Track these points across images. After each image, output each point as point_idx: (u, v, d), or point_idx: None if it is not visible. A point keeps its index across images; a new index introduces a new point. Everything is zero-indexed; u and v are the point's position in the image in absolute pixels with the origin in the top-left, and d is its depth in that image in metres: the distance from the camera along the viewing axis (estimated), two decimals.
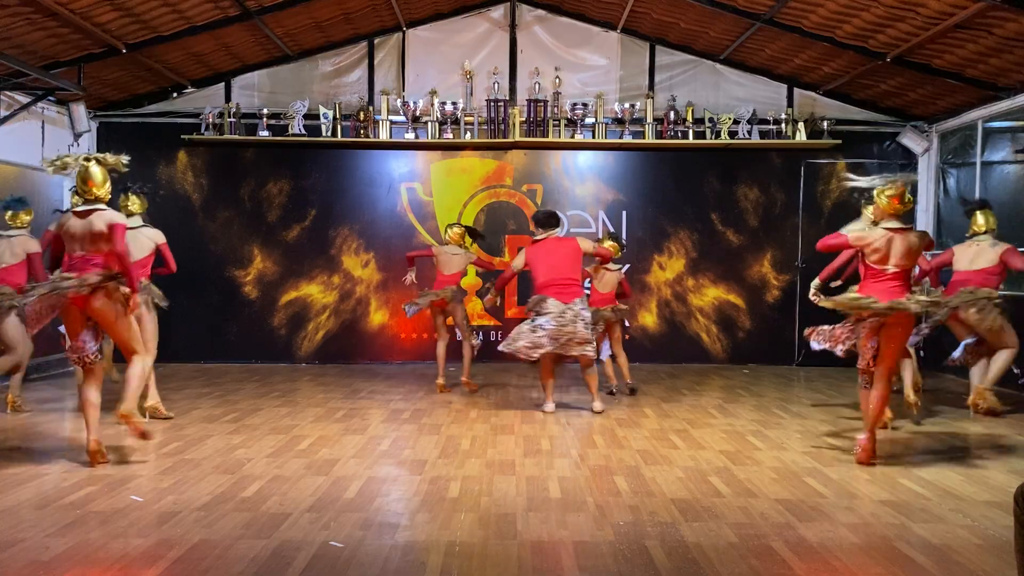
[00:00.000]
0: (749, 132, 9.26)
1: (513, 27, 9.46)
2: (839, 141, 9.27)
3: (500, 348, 6.63)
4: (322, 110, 9.19)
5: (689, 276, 9.63)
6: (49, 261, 5.06)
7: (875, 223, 5.20)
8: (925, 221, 9.38)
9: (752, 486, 4.42)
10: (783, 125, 9.23)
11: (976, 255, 6.44)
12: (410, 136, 9.18)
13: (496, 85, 9.30)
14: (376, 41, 9.47)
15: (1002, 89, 7.73)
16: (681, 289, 9.63)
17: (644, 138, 9.29)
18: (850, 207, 9.25)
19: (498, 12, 9.50)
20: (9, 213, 6.45)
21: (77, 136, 8.82)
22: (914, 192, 9.49)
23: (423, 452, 5.15)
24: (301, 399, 7.12)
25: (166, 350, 6.18)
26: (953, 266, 6.59)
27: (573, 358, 6.60)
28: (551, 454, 5.15)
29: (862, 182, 5.13)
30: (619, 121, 9.28)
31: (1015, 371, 6.24)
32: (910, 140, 9.33)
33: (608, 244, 7.23)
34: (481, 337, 8.87)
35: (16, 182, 7.84)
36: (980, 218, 6.53)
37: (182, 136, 9.18)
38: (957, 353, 6.48)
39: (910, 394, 5.96)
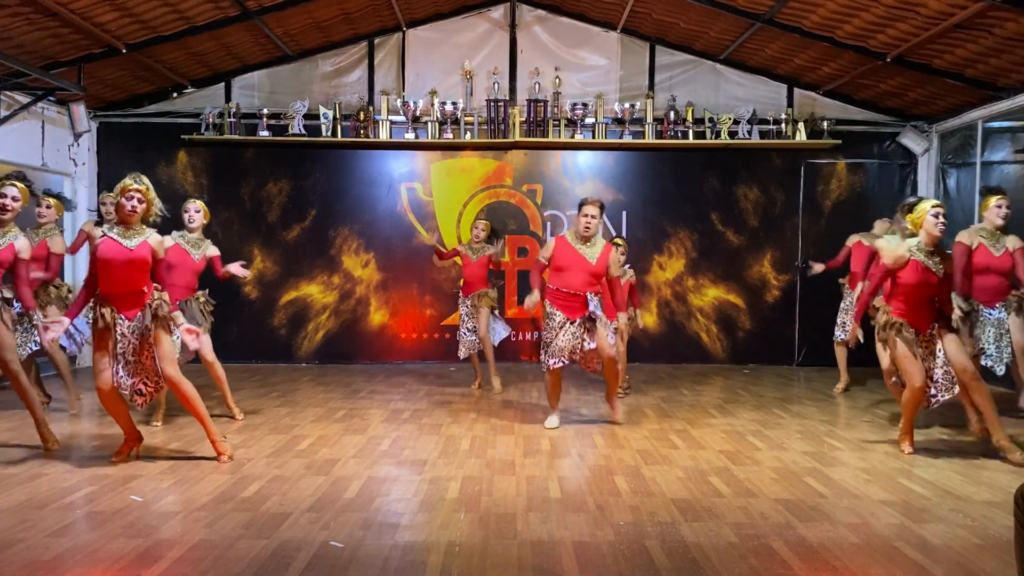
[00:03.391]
0: (749, 132, 9.26)
1: (513, 27, 9.46)
2: (839, 141, 9.27)
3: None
4: (322, 110, 9.19)
5: (689, 276, 9.63)
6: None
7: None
8: None
9: (752, 486, 4.42)
10: (783, 125, 9.23)
11: None
12: (410, 136, 9.18)
13: (496, 85, 9.30)
14: (376, 41, 9.47)
15: (1002, 89, 7.73)
16: (681, 289, 9.64)
17: (644, 138, 9.29)
18: (850, 207, 9.31)
19: (498, 12, 9.50)
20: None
21: (77, 136, 8.83)
22: (913, 194, 9.54)
23: (423, 452, 5.15)
24: (301, 399, 7.12)
25: None
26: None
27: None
28: (551, 454, 5.15)
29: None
30: (619, 121, 9.28)
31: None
32: (910, 140, 9.34)
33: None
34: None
35: None
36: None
37: (182, 136, 9.18)
38: None
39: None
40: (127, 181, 4.71)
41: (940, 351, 5.02)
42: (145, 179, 4.77)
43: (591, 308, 5.78)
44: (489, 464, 4.85)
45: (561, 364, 5.79)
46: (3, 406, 6.48)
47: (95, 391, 4.72)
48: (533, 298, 5.73)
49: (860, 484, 4.48)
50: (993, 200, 5.93)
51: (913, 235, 5.13)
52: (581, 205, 5.84)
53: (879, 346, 5.28)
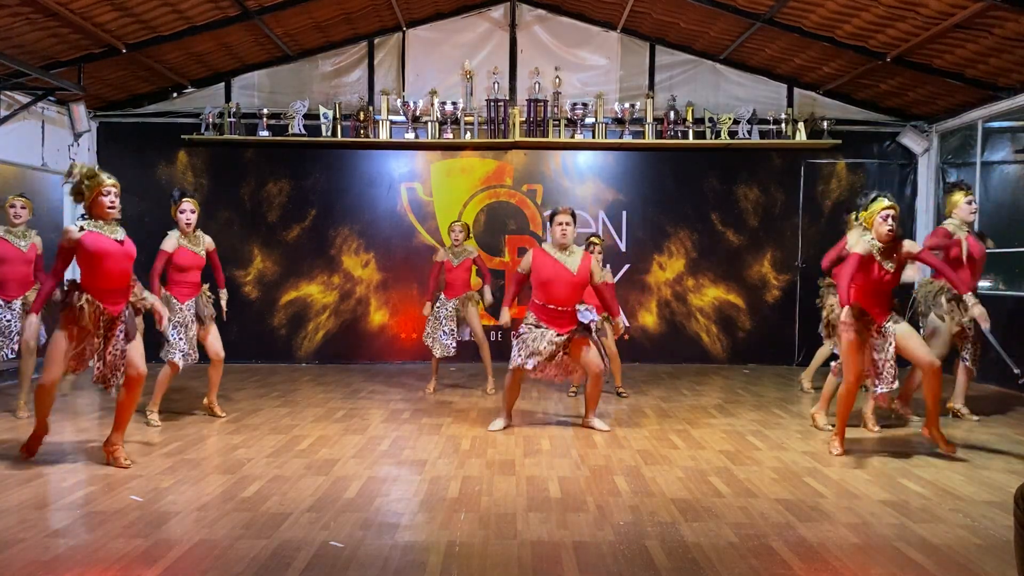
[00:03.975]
0: (749, 132, 9.26)
1: (513, 27, 9.46)
2: (839, 141, 9.28)
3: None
4: (322, 110, 9.19)
5: (689, 276, 9.63)
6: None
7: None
8: (926, 221, 9.39)
9: (752, 486, 4.42)
10: (783, 125, 9.24)
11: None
12: (410, 136, 9.18)
13: (496, 85, 9.30)
14: (376, 41, 9.47)
15: (1002, 89, 7.73)
16: (681, 289, 9.63)
17: (644, 138, 9.29)
18: (850, 208, 9.29)
19: (498, 12, 9.50)
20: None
21: (77, 136, 8.83)
22: (913, 193, 9.55)
23: (423, 452, 5.15)
24: (301, 399, 7.12)
25: None
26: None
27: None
28: (551, 454, 5.15)
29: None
30: (619, 121, 9.28)
31: (1015, 371, 6.22)
32: (910, 140, 9.34)
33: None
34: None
35: (16, 182, 7.84)
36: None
37: (182, 136, 9.18)
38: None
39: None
40: (102, 177, 4.49)
41: (890, 346, 5.00)
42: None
43: (582, 319, 5.67)
44: (489, 464, 4.85)
45: (533, 367, 5.62)
46: (2, 406, 6.48)
47: (38, 384, 4.63)
48: (504, 316, 5.89)
49: (860, 484, 4.48)
50: (963, 197, 6.13)
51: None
52: (552, 216, 5.78)
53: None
